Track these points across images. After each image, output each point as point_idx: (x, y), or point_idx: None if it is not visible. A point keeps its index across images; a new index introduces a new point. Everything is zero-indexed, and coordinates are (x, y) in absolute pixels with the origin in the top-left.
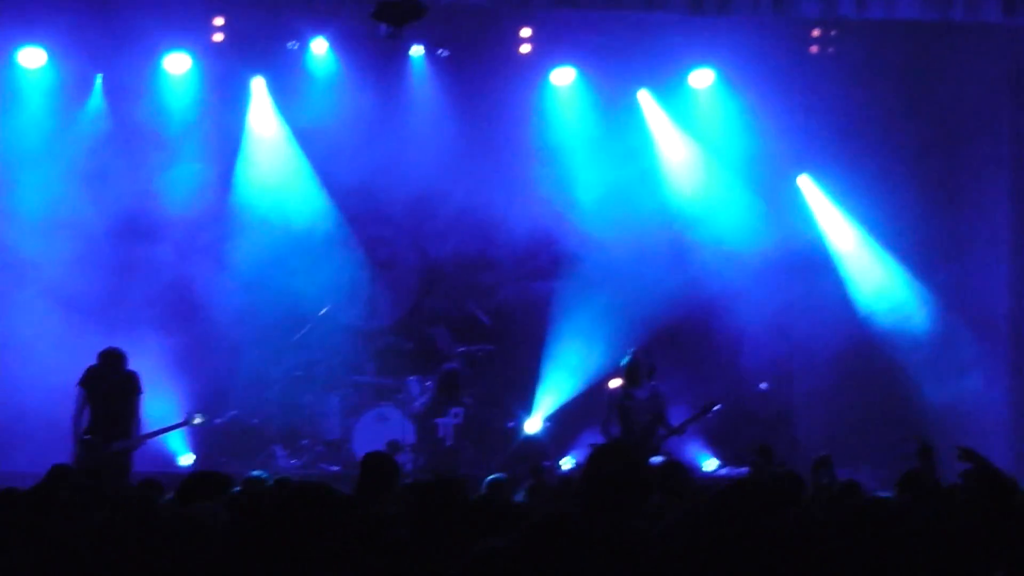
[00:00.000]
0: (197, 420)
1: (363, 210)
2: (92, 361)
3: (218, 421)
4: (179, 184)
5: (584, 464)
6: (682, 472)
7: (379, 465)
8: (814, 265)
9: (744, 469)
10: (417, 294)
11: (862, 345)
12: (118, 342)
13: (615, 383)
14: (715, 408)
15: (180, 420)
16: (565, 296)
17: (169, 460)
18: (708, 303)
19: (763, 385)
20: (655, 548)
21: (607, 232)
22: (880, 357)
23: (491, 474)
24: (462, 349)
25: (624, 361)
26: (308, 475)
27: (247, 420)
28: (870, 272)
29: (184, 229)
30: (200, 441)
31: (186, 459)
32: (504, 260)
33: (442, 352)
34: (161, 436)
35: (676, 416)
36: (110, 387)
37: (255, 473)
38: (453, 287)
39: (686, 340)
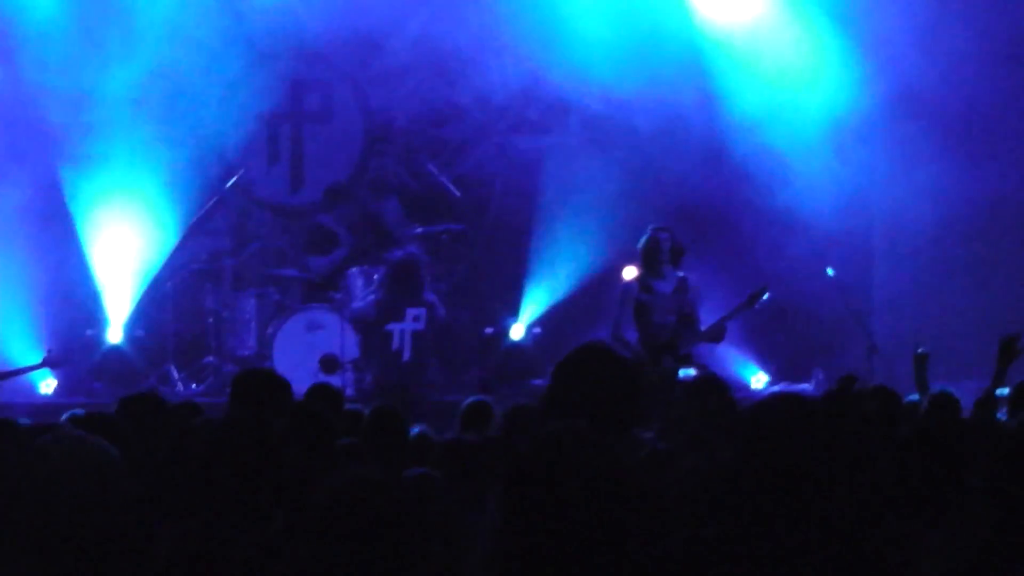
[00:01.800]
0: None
1: (284, 45)
2: None
3: (90, 333)
4: None
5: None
6: (721, 390)
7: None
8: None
9: (804, 386)
10: (359, 156)
11: (968, 224)
12: None
13: (630, 273)
14: (763, 298)
15: (39, 360)
16: (560, 158)
17: (28, 389)
18: (757, 171)
19: (830, 271)
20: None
21: (619, 77)
22: (992, 241)
23: (466, 397)
24: (420, 230)
25: (641, 243)
26: (215, 404)
27: (130, 332)
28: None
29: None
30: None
31: (47, 386)
32: (476, 109)
33: (393, 234)
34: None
35: (711, 317)
36: None
37: None
38: (407, 146)
39: (726, 218)
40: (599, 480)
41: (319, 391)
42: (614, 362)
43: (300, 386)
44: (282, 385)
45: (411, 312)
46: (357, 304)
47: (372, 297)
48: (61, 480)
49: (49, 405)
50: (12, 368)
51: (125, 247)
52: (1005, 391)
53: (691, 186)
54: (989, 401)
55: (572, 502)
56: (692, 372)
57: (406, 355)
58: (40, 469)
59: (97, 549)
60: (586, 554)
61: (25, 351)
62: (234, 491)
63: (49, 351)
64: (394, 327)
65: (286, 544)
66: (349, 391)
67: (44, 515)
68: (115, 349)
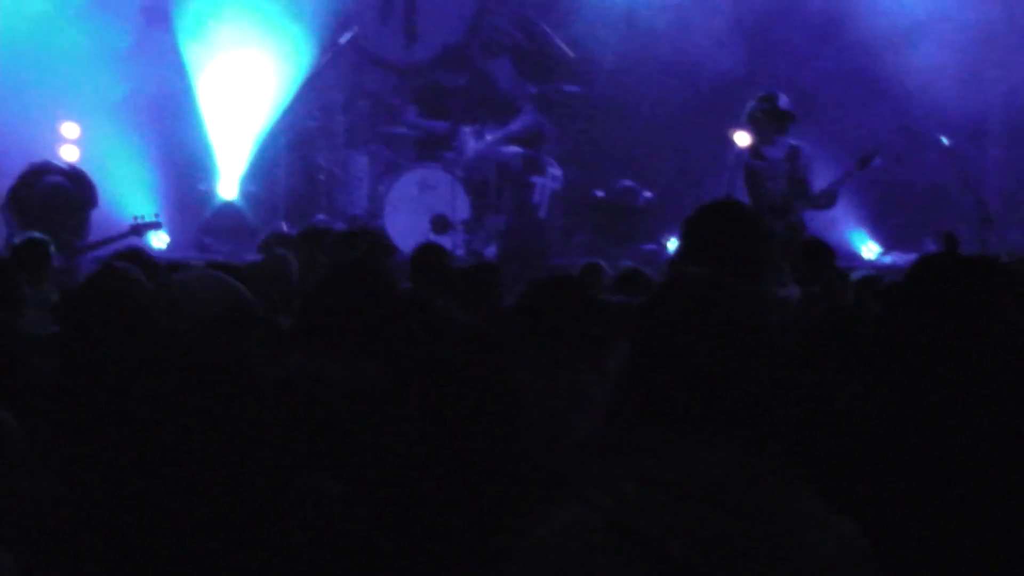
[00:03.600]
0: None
1: None
2: None
3: (202, 187)
4: None
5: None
6: (830, 257)
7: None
8: None
9: (916, 256)
10: (472, 15)
11: None
12: None
13: (740, 138)
14: (873, 162)
15: (125, 228)
16: (675, 24)
17: (139, 244)
18: (873, 43)
19: (944, 140)
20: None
21: None
22: None
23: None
24: (533, 89)
25: (749, 108)
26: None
27: (243, 187)
28: None
29: None
30: (178, 218)
31: (159, 240)
32: None
33: (505, 93)
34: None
35: (822, 183)
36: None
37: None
38: (521, 4)
39: (840, 89)
40: (737, 322)
41: (428, 250)
42: (745, 216)
43: (410, 244)
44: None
45: (551, 170)
46: (506, 149)
47: (516, 148)
48: (202, 311)
49: (161, 260)
50: (105, 237)
51: (239, 103)
52: None
53: (806, 57)
54: None
55: (707, 345)
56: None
57: (542, 212)
58: (183, 300)
59: (232, 383)
60: (719, 397)
61: (142, 208)
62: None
63: (140, 217)
64: (536, 180)
65: (397, 386)
66: (459, 252)
67: (183, 346)
68: (228, 204)
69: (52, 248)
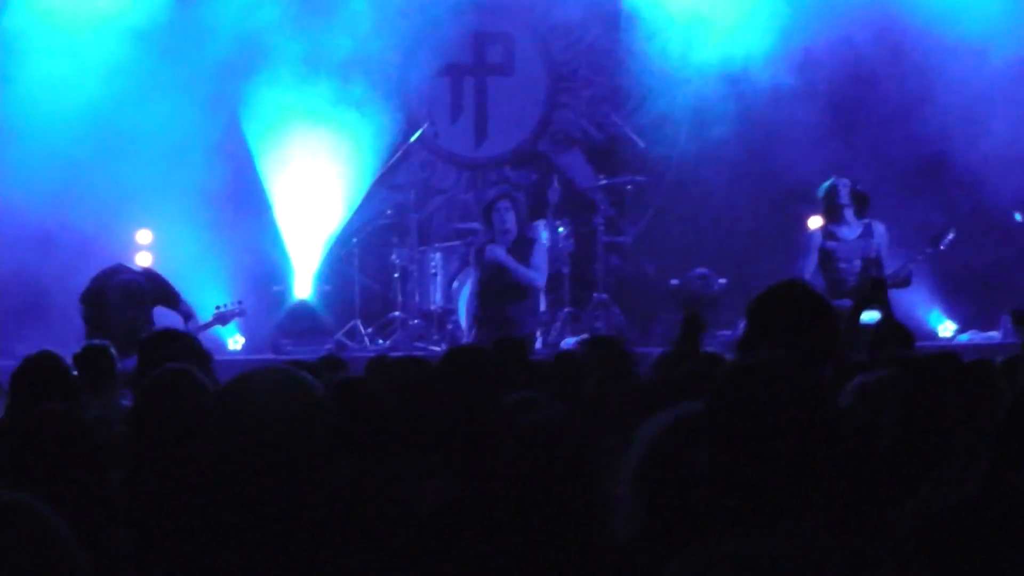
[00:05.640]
0: (233, 316)
1: None
2: None
3: (277, 288)
4: None
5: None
6: (907, 337)
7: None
8: None
9: (992, 334)
10: (542, 108)
11: None
12: None
13: (815, 223)
14: (948, 238)
15: (209, 319)
16: (742, 102)
17: (216, 346)
18: (943, 117)
19: (1019, 216)
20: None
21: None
22: None
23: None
24: (605, 181)
25: (822, 190)
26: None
27: (317, 287)
28: None
29: None
30: (252, 320)
31: (235, 342)
32: (660, 57)
33: (578, 185)
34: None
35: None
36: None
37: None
38: (591, 97)
39: (912, 166)
40: (806, 405)
41: (504, 344)
42: (810, 296)
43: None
44: None
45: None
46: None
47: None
48: (265, 406)
49: (236, 362)
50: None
51: (312, 203)
52: None
53: (880, 133)
54: None
55: (780, 428)
56: (876, 316)
57: None
58: (245, 394)
59: (295, 479)
60: (793, 483)
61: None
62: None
63: (223, 306)
64: None
65: (463, 490)
66: (537, 344)
67: (246, 442)
68: (302, 304)
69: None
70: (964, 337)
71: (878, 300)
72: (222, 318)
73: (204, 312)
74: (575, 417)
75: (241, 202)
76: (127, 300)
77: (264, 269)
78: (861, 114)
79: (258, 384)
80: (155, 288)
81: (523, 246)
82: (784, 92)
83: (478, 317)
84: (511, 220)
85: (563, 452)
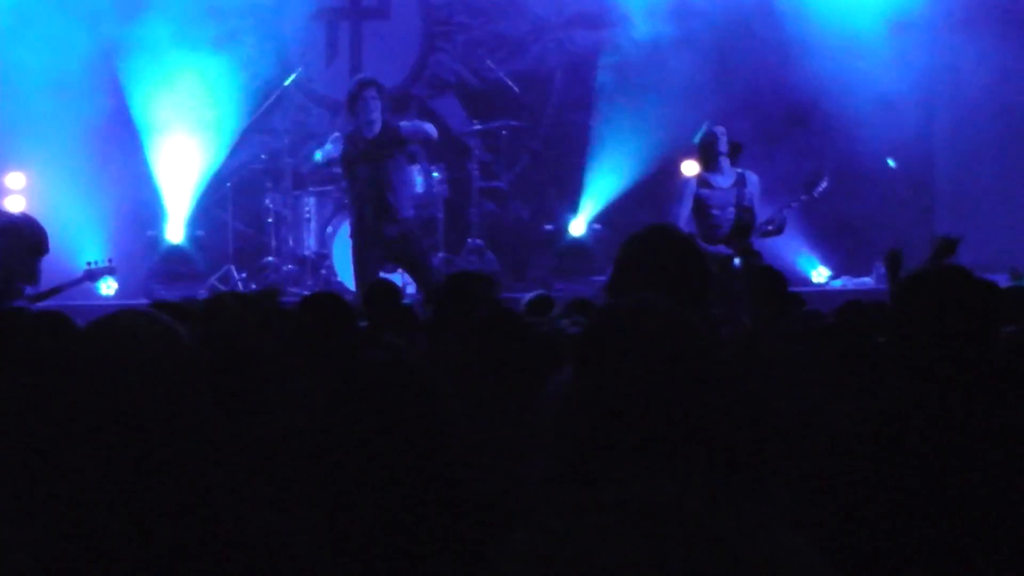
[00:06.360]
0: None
1: None
2: None
3: (150, 233)
4: None
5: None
6: (781, 283)
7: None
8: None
9: (866, 279)
10: (418, 52)
11: None
12: None
13: (689, 168)
14: (821, 186)
15: (79, 274)
16: (619, 52)
17: (86, 291)
18: (818, 68)
19: (891, 161)
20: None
21: None
22: None
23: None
24: (480, 126)
25: (698, 137)
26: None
27: (190, 232)
28: None
29: None
30: (126, 265)
31: (108, 287)
32: (537, 3)
33: (453, 130)
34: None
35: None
36: None
37: None
38: (466, 41)
39: (785, 114)
40: (681, 347)
41: (380, 287)
42: (680, 240)
43: None
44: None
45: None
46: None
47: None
48: (125, 355)
49: (109, 307)
50: (58, 284)
51: (185, 148)
52: None
53: (754, 82)
54: None
55: (652, 370)
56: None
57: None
58: (104, 342)
59: (161, 428)
60: (668, 426)
61: (92, 255)
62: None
63: (93, 263)
64: None
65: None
66: (411, 288)
67: (107, 392)
68: (176, 249)
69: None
70: (838, 283)
71: (743, 246)
72: (91, 275)
73: (75, 264)
74: (413, 355)
75: (116, 145)
76: (4, 253)
77: (138, 213)
78: (737, 62)
79: (120, 327)
80: (31, 235)
81: (390, 135)
82: (661, 40)
83: None
84: (377, 109)
85: (396, 388)
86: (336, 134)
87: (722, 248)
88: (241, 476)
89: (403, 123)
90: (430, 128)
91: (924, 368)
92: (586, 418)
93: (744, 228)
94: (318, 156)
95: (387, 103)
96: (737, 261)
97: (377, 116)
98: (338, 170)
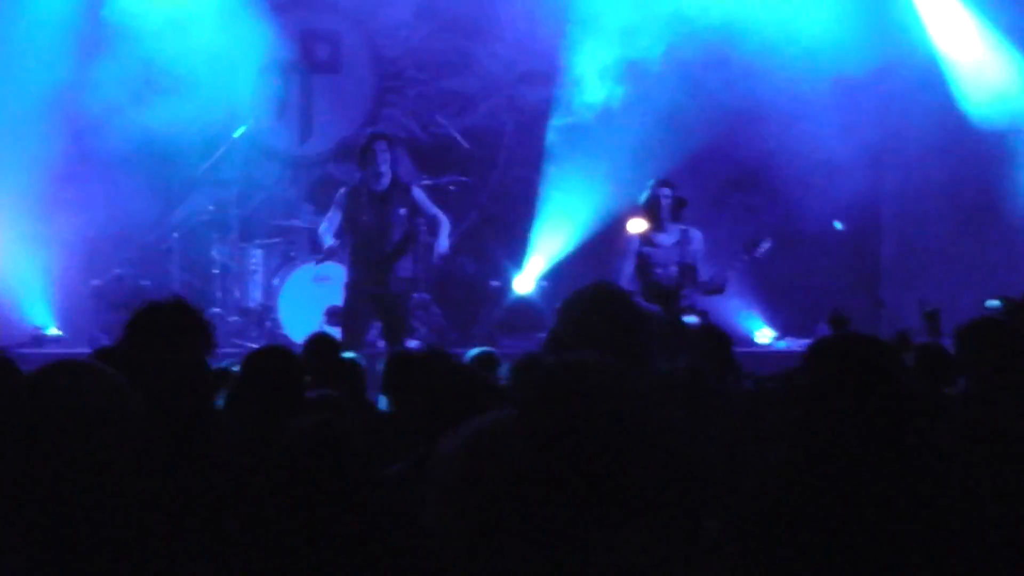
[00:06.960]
0: None
1: None
2: None
3: (95, 283)
4: None
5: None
6: (724, 341)
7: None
8: (915, 80)
9: (809, 341)
10: (368, 106)
11: (980, 180)
12: None
13: (635, 226)
14: (764, 247)
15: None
16: (570, 110)
17: (33, 340)
18: (766, 130)
19: (838, 224)
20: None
21: (631, 32)
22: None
23: (472, 347)
24: (428, 181)
25: (643, 197)
26: (222, 354)
27: (135, 281)
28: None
29: None
30: (72, 310)
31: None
32: (488, 61)
33: (403, 184)
34: None
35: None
36: None
37: None
38: (417, 96)
39: (733, 176)
40: (621, 404)
41: (318, 340)
42: (619, 297)
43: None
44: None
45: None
46: None
47: None
48: (65, 405)
49: (52, 356)
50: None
51: (132, 198)
52: None
53: (703, 143)
54: None
55: (594, 426)
56: (694, 319)
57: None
58: (44, 393)
59: (104, 474)
60: (610, 477)
61: (35, 306)
62: None
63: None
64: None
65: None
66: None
67: (47, 441)
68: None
69: None
70: (782, 344)
71: (669, 306)
72: None
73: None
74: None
75: (65, 196)
76: None
77: (84, 263)
78: (686, 124)
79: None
80: None
81: (399, 192)
82: (612, 101)
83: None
84: (386, 162)
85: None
86: (342, 190)
87: (667, 311)
88: (176, 527)
89: (418, 192)
90: (443, 221)
91: (836, 422)
92: (531, 475)
93: (674, 290)
94: (323, 231)
95: (397, 157)
96: (686, 319)
97: (386, 169)
98: (285, 223)
